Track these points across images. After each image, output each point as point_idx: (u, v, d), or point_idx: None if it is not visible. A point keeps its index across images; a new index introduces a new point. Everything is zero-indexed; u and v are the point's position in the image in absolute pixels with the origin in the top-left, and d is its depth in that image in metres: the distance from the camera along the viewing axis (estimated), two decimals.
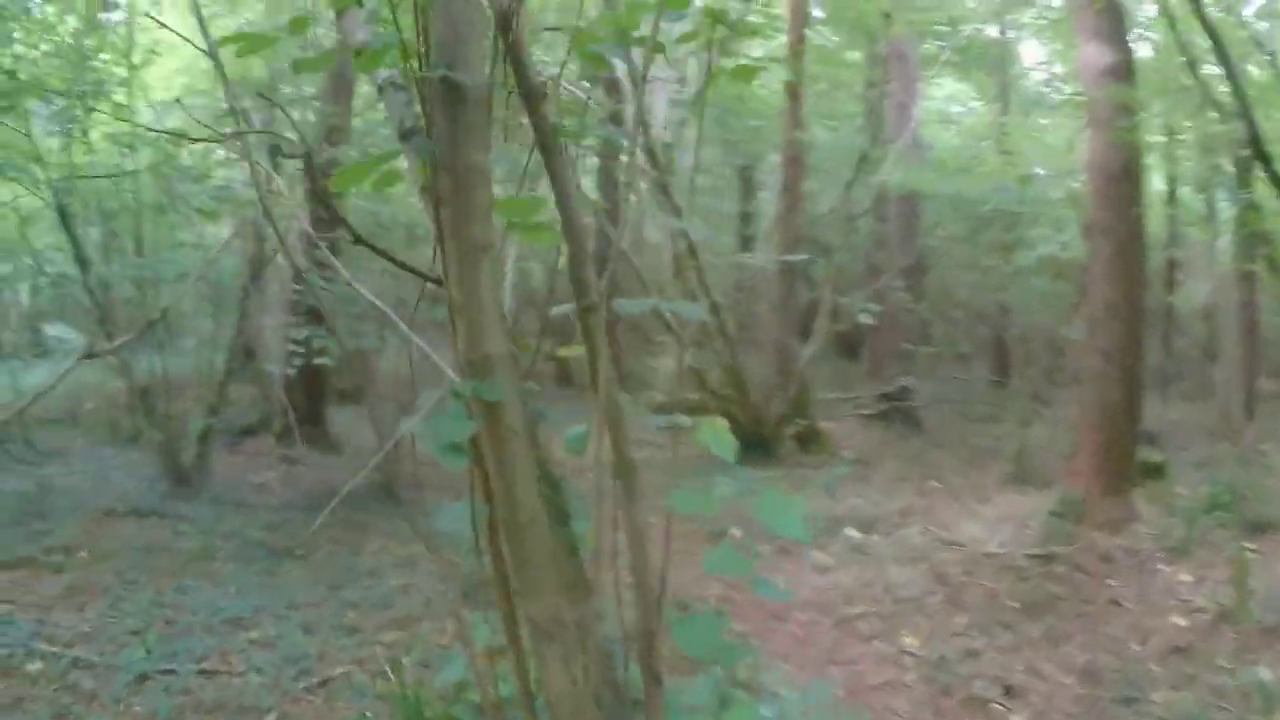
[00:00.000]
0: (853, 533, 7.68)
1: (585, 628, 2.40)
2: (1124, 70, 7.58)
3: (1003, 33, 17.64)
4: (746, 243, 21.39)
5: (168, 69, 11.60)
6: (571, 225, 2.30)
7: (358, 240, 2.25)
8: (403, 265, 2.36)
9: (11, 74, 8.31)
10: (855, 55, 17.85)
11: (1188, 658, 5.25)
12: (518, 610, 2.44)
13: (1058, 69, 17.92)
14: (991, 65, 17.96)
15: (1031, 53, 19.45)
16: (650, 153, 10.00)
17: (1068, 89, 18.21)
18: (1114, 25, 7.64)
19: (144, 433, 8.85)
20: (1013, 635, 5.57)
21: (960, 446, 12.12)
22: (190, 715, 4.54)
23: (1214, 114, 7.68)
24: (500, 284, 2.17)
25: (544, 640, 2.39)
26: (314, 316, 8.62)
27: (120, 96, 9.21)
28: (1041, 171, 12.28)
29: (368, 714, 4.49)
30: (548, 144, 2.33)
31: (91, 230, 10.05)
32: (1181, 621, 5.76)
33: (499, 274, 2.19)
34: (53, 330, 13.74)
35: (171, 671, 4.91)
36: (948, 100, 21.81)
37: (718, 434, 2.26)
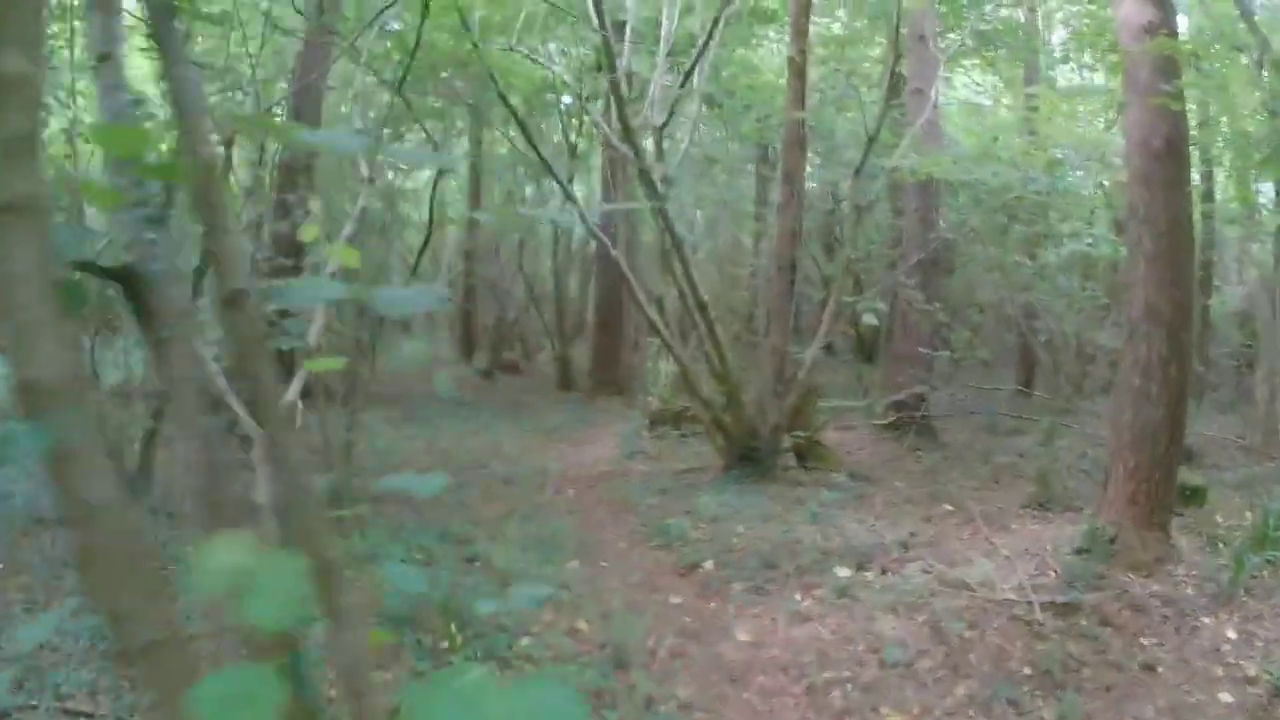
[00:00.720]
0: (842, 570, 6.55)
1: None
2: (1166, 28, 6.44)
3: (1031, 15, 16.58)
4: (760, 238, 20.32)
5: None
6: (196, 159, 1.24)
7: None
8: None
9: None
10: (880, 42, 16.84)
11: None
12: None
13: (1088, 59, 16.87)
14: (1018, 49, 16.80)
15: (1061, 40, 18.30)
16: (627, 130, 8.86)
17: (1099, 78, 17.14)
18: None
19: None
20: (1021, 717, 4.45)
21: (979, 463, 10.93)
22: None
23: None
24: (43, 260, 1.11)
25: None
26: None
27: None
28: (1072, 153, 11.10)
29: None
30: (160, 27, 1.29)
31: None
32: (1229, 698, 4.65)
33: (45, 249, 1.12)
34: None
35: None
36: (974, 91, 20.70)
37: None
